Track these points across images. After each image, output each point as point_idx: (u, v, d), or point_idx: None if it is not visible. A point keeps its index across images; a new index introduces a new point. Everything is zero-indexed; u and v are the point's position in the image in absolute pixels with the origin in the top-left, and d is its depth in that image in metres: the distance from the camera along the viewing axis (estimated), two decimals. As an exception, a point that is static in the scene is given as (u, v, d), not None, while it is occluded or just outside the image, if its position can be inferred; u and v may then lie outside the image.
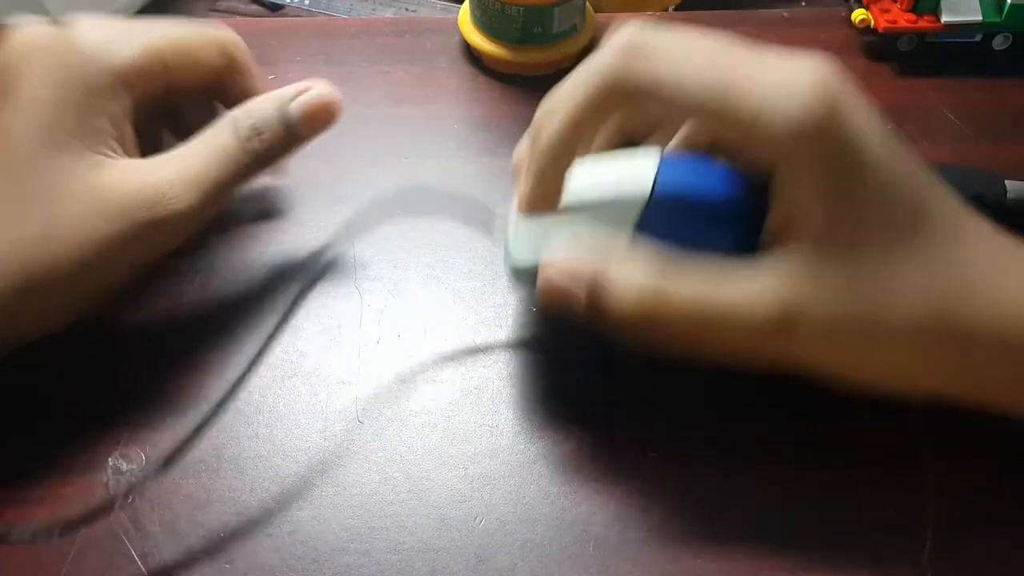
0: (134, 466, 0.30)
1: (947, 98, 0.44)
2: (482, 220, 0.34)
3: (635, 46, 0.27)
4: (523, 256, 0.31)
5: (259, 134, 0.32)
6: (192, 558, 0.28)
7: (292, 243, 0.37)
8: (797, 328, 0.27)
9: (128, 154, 0.31)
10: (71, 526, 0.27)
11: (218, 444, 0.31)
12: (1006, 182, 0.37)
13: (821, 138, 0.26)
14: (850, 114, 0.26)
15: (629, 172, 0.30)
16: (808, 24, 0.49)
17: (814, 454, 0.31)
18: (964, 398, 0.28)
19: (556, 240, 0.30)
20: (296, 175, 0.40)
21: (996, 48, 0.45)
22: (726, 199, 0.29)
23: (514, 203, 0.32)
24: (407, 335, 0.34)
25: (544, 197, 0.29)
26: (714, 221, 0.29)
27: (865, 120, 0.26)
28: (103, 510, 0.28)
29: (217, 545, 0.29)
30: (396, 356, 0.34)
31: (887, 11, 0.45)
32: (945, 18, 0.44)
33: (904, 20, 0.44)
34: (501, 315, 0.35)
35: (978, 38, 0.45)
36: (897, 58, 0.46)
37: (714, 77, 0.26)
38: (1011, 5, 0.43)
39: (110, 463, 0.30)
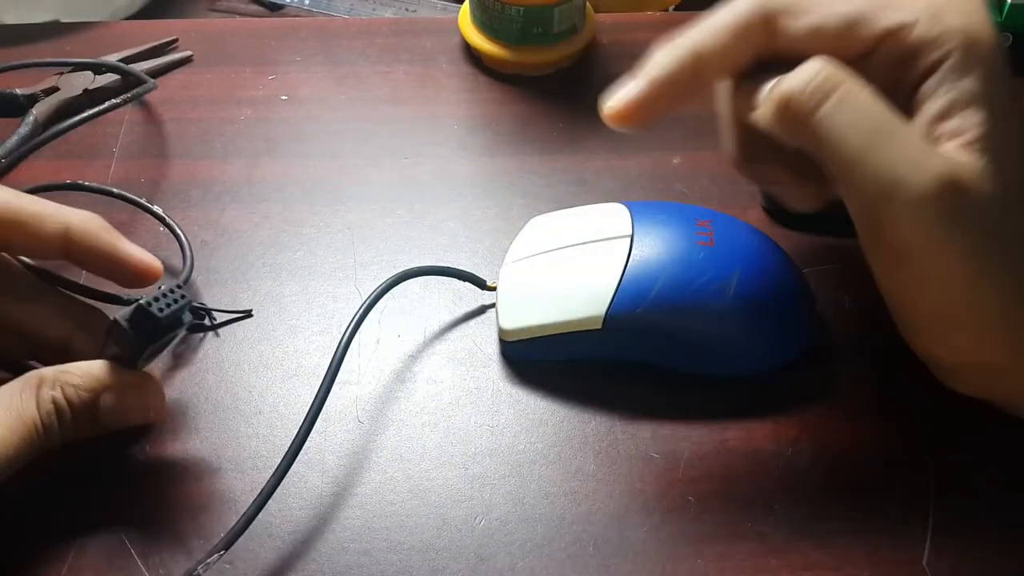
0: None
1: (947, 98, 0.44)
2: (476, 283, 0.35)
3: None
4: (511, 322, 0.32)
5: (59, 413, 0.27)
6: (192, 558, 0.28)
7: (291, 242, 0.37)
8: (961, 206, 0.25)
9: None
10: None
11: (218, 444, 0.31)
12: None
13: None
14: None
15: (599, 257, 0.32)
16: (808, 24, 0.48)
17: (814, 454, 0.31)
18: None
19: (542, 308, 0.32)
20: (296, 175, 0.40)
21: (996, 48, 0.45)
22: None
23: (503, 272, 0.34)
24: (407, 335, 0.34)
25: (641, 100, 0.28)
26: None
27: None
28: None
29: (218, 545, 0.29)
30: (396, 356, 0.34)
31: (887, 11, 0.45)
32: (945, 18, 0.44)
33: (904, 20, 0.44)
34: (501, 315, 0.35)
35: (978, 38, 0.45)
36: (897, 58, 0.46)
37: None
38: (1011, 5, 0.43)
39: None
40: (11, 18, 0.51)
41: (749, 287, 0.31)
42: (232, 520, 0.29)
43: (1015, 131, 0.26)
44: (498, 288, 0.34)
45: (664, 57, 0.28)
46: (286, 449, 0.29)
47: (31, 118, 0.41)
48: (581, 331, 0.32)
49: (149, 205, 0.38)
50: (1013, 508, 0.29)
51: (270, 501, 0.29)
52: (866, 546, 0.29)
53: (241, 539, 0.28)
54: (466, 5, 0.46)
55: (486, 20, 0.44)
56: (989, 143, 0.26)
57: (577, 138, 0.41)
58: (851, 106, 0.26)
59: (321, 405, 0.29)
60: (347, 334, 0.31)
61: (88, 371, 0.28)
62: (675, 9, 0.58)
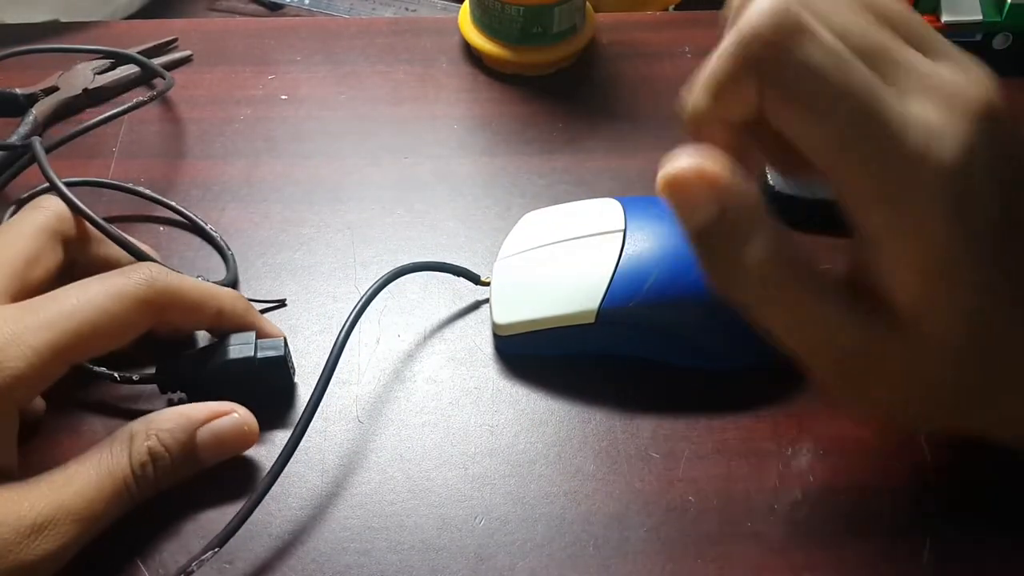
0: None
1: (947, 98, 0.44)
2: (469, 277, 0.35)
3: (791, 20, 0.22)
4: (505, 317, 0.33)
5: (156, 460, 0.28)
6: (193, 558, 0.28)
7: (291, 242, 0.37)
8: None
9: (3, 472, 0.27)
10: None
11: (218, 444, 0.31)
12: None
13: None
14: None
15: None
16: (808, 24, 0.48)
17: (815, 454, 0.31)
18: None
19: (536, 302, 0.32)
20: (296, 175, 0.40)
21: (996, 48, 0.45)
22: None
23: (496, 267, 0.34)
24: (407, 335, 0.34)
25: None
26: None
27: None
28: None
29: (212, 542, 0.28)
30: (396, 356, 0.34)
31: (887, 11, 0.45)
32: (945, 17, 0.44)
33: (904, 20, 0.44)
34: (501, 315, 0.35)
35: (978, 37, 0.45)
36: (897, 58, 0.46)
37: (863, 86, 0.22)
38: (1011, 4, 0.43)
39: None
40: (11, 18, 0.51)
41: None
42: (233, 519, 0.29)
43: None
44: (492, 283, 0.34)
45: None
46: (285, 448, 0.29)
47: (31, 118, 0.41)
48: (574, 325, 0.32)
49: (187, 211, 0.38)
50: (1013, 508, 0.29)
51: (270, 500, 0.29)
52: (866, 546, 0.29)
53: (241, 539, 0.28)
54: (466, 5, 0.46)
55: (486, 20, 0.44)
56: None
57: (577, 138, 0.41)
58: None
59: (317, 403, 0.30)
60: (343, 332, 0.31)
61: (178, 414, 0.29)
62: (675, 9, 0.58)
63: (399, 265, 0.33)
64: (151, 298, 0.29)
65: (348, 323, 0.31)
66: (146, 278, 0.29)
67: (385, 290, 0.35)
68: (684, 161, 0.24)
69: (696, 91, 0.25)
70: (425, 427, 0.32)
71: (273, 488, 0.29)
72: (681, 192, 0.24)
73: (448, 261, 0.35)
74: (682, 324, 0.31)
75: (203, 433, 0.29)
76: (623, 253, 0.32)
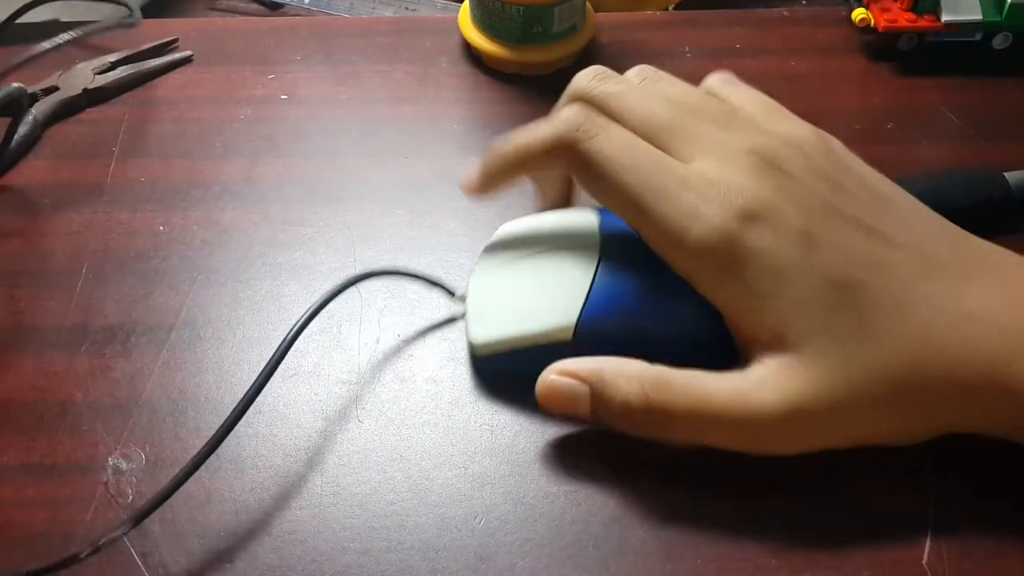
0: (134, 465, 0.30)
1: (947, 98, 0.44)
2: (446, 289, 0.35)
3: (582, 123, 0.31)
4: (479, 335, 0.32)
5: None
6: (192, 558, 0.28)
7: (291, 242, 0.37)
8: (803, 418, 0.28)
9: None
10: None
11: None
12: (1005, 175, 0.37)
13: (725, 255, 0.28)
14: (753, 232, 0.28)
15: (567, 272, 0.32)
16: (808, 23, 0.49)
17: (815, 454, 0.31)
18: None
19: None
20: (296, 174, 0.40)
21: (996, 47, 0.45)
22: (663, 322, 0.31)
23: (472, 282, 0.34)
24: (407, 335, 0.34)
25: (483, 181, 0.33)
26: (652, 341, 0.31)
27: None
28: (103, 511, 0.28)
29: (217, 545, 0.29)
30: (396, 356, 0.34)
31: (887, 10, 0.45)
32: (945, 17, 0.44)
33: (904, 19, 0.44)
34: (501, 315, 0.35)
35: (978, 37, 0.45)
36: (897, 57, 0.46)
37: (640, 187, 0.29)
38: (1011, 4, 0.43)
39: (110, 463, 0.30)
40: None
41: None
42: (232, 519, 0.29)
43: None
44: (467, 299, 0.33)
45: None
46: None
47: (31, 117, 0.41)
48: (551, 344, 0.31)
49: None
50: (1014, 507, 0.29)
51: (270, 500, 0.29)
52: (866, 546, 0.29)
53: (241, 538, 0.28)
54: (466, 4, 0.46)
55: (486, 20, 0.44)
56: None
57: (577, 138, 0.41)
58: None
59: (266, 381, 0.29)
60: (297, 327, 0.30)
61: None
62: (675, 9, 0.58)
63: (366, 270, 0.33)
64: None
65: (301, 322, 0.31)
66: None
67: (385, 290, 0.35)
68: (546, 374, 0.30)
69: (506, 154, 0.33)
70: (425, 427, 0.32)
71: (273, 488, 0.29)
72: (557, 395, 0.30)
73: (451, 263, 0.35)
74: (665, 337, 0.31)
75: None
76: (599, 266, 0.31)
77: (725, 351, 0.30)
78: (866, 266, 0.28)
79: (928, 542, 0.29)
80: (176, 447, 0.31)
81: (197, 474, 0.30)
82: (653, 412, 0.28)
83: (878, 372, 0.27)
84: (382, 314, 0.35)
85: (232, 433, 0.31)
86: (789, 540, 0.29)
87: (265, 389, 0.32)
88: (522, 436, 0.31)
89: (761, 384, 0.28)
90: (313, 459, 0.31)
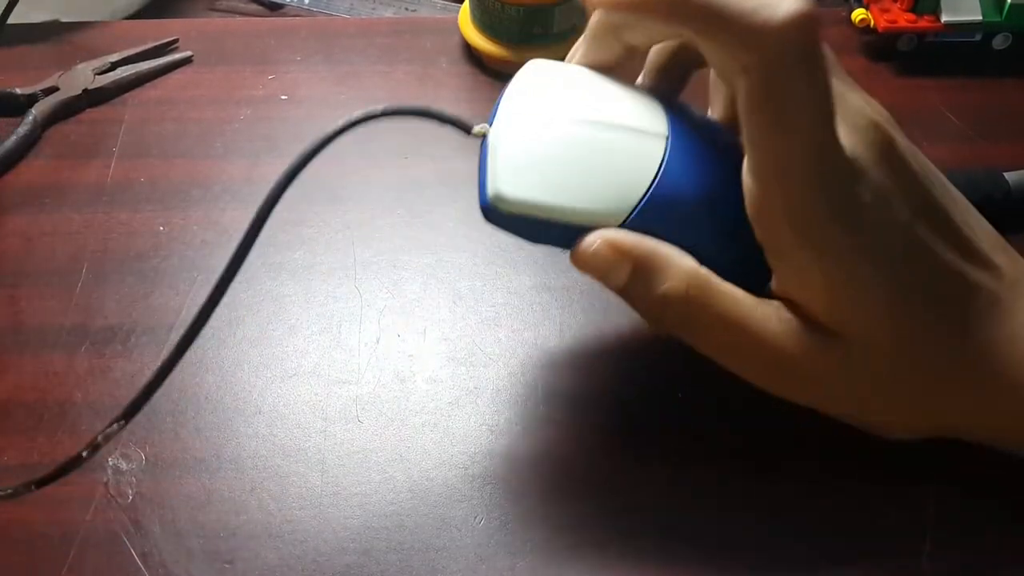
0: (134, 465, 0.30)
1: (947, 98, 0.44)
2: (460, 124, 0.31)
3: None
4: (510, 189, 0.28)
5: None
6: (192, 558, 0.28)
7: (291, 242, 0.37)
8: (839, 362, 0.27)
9: None
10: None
11: (218, 444, 0.31)
12: (1005, 175, 0.37)
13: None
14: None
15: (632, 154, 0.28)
16: (808, 24, 0.48)
17: (815, 454, 0.31)
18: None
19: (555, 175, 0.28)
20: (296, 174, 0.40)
21: (996, 48, 0.45)
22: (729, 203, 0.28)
23: (501, 121, 0.30)
24: (407, 335, 0.34)
25: None
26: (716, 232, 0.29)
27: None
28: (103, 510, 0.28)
29: (217, 545, 0.29)
30: (396, 356, 0.34)
31: (887, 11, 0.45)
32: (945, 18, 0.44)
33: (904, 20, 0.44)
34: (501, 315, 0.35)
35: (978, 38, 0.45)
36: (897, 58, 0.46)
37: None
38: (1011, 4, 0.43)
39: (110, 463, 0.30)
40: (10, 17, 0.51)
41: None
42: (232, 520, 0.29)
43: None
44: (492, 140, 0.30)
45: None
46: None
47: (31, 117, 0.41)
48: (591, 225, 0.28)
49: None
50: (1014, 507, 0.29)
51: (270, 500, 0.29)
52: (866, 546, 0.29)
53: (240, 538, 0.28)
54: (466, 5, 0.46)
55: (486, 20, 0.44)
56: None
57: (577, 138, 0.41)
58: None
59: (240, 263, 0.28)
60: (279, 182, 0.29)
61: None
62: (675, 9, 0.58)
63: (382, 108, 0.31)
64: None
65: (289, 170, 0.29)
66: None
67: (385, 290, 0.35)
68: (594, 238, 0.28)
69: None
70: (425, 427, 0.32)
71: (273, 488, 0.29)
72: (596, 263, 0.28)
73: (450, 262, 0.34)
74: (713, 260, 0.28)
75: None
76: (664, 165, 0.28)
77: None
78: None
79: (928, 542, 0.29)
80: (176, 447, 0.31)
81: (197, 474, 0.30)
82: (690, 310, 0.27)
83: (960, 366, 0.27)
84: (382, 314, 0.35)
85: (232, 433, 0.31)
86: (790, 540, 0.29)
87: (265, 389, 0.33)
88: (522, 437, 0.31)
89: (808, 335, 0.27)
90: (313, 459, 0.31)
